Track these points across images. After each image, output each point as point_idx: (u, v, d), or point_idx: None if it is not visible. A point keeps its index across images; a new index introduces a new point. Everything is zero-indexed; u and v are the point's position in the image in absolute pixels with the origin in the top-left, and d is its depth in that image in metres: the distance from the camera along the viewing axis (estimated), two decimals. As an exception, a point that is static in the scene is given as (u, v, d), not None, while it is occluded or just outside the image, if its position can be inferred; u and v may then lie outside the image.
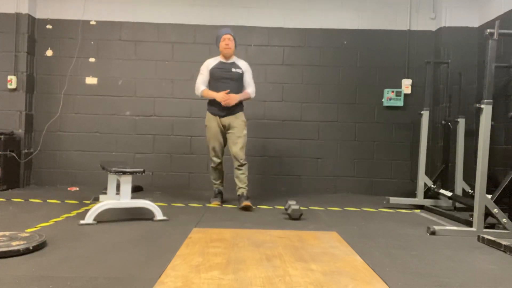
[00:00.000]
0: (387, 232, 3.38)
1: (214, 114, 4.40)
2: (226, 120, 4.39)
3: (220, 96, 4.29)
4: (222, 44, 4.41)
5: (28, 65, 5.47)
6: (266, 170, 5.64)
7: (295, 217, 3.76)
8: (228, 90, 4.31)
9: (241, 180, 4.38)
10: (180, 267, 2.28)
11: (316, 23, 5.69)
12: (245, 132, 4.43)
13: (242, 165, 4.37)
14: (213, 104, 4.41)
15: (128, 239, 2.91)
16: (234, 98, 4.32)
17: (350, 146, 5.68)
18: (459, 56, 5.32)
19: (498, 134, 4.74)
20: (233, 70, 4.41)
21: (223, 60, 4.44)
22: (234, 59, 4.49)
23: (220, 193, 4.56)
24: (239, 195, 4.36)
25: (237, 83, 4.42)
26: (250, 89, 4.49)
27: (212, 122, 4.42)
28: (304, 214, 3.87)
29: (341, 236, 3.15)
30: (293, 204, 3.78)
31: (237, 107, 4.41)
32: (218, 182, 4.59)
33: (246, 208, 4.17)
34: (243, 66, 4.49)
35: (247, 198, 4.27)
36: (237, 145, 4.36)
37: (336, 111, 5.69)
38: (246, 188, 4.38)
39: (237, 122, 4.41)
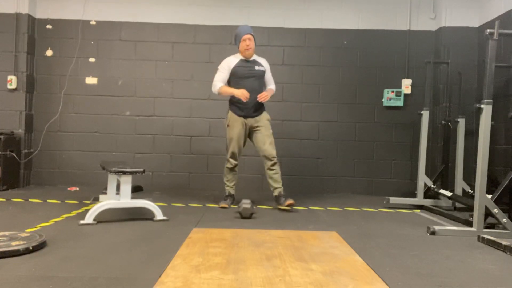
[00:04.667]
0: (387, 232, 3.38)
1: (239, 115, 4.34)
2: (252, 120, 4.36)
3: (241, 93, 4.21)
4: (242, 45, 4.34)
5: (28, 65, 5.47)
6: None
7: (246, 216, 3.75)
8: (245, 90, 4.24)
9: (276, 180, 4.33)
10: (180, 267, 2.28)
11: (316, 23, 5.69)
12: (271, 130, 4.40)
13: (274, 164, 4.31)
14: (237, 104, 4.33)
15: (128, 239, 2.91)
16: (266, 97, 4.27)
17: (350, 146, 5.68)
18: (459, 56, 5.32)
19: (498, 134, 4.74)
20: (257, 68, 4.39)
21: (244, 58, 4.40)
22: (254, 57, 4.46)
23: (230, 195, 4.44)
24: (276, 195, 4.31)
25: (260, 80, 4.41)
26: (273, 85, 4.53)
27: (236, 122, 4.33)
28: (304, 214, 3.86)
29: (341, 236, 3.15)
30: (245, 203, 3.77)
31: (261, 107, 4.40)
32: (231, 184, 4.46)
33: (289, 206, 4.16)
34: (264, 63, 4.48)
35: (286, 196, 4.28)
36: (267, 143, 4.31)
37: (336, 111, 5.69)
38: (282, 187, 4.34)
39: (263, 121, 4.37)
